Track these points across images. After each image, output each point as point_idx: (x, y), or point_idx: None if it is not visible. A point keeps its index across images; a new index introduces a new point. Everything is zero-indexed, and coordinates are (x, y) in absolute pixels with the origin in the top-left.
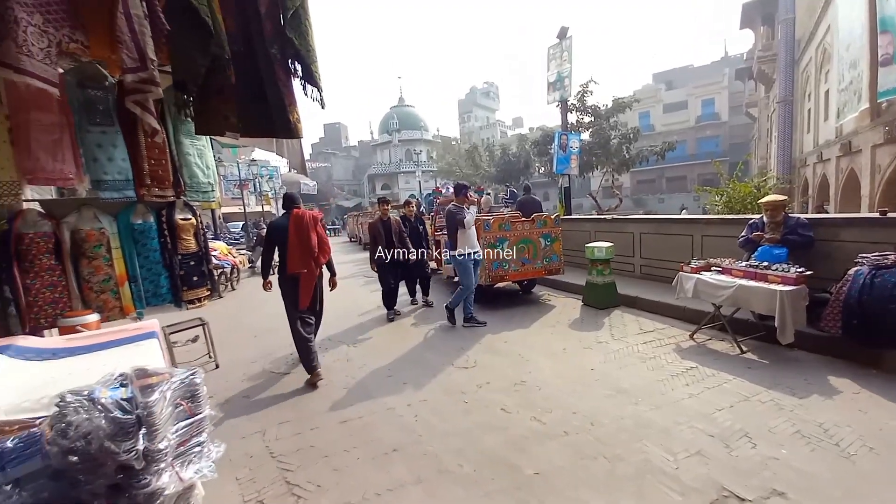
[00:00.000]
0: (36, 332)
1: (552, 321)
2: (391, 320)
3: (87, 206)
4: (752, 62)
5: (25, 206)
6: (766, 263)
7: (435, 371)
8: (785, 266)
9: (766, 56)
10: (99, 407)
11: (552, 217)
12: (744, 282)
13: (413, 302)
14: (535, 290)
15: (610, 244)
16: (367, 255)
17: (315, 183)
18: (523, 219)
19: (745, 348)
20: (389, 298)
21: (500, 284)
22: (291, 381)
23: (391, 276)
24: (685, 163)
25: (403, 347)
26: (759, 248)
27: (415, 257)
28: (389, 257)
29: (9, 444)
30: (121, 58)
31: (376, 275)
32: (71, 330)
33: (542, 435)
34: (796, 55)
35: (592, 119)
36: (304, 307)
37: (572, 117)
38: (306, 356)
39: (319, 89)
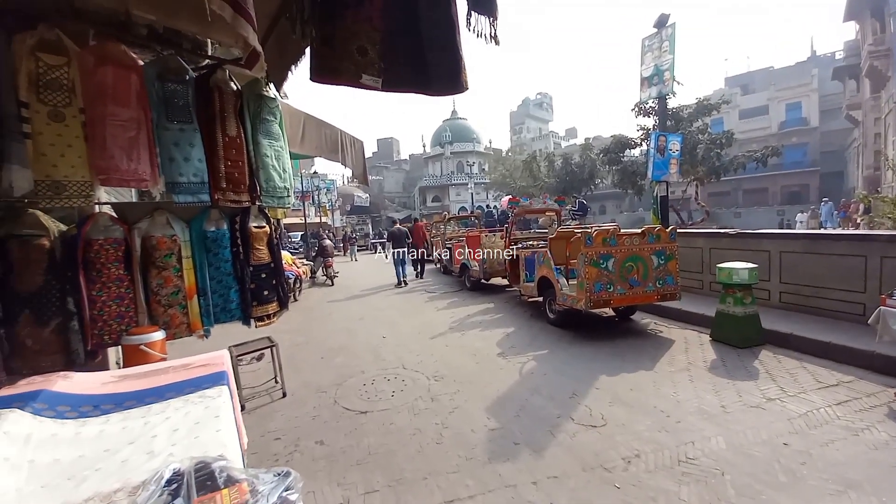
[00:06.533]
0: (98, 349)
1: (681, 362)
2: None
3: (161, 210)
4: (851, 59)
5: (97, 209)
6: None
7: (551, 426)
8: None
9: (880, 51)
10: None
11: (667, 230)
12: None
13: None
14: (636, 316)
15: (753, 266)
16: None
17: (368, 195)
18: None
19: None
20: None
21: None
22: (369, 425)
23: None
24: (766, 173)
25: (498, 384)
26: None
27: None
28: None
29: None
30: None
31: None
32: (135, 349)
33: None
34: None
35: (672, 123)
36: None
37: (648, 122)
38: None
39: (494, 16)
